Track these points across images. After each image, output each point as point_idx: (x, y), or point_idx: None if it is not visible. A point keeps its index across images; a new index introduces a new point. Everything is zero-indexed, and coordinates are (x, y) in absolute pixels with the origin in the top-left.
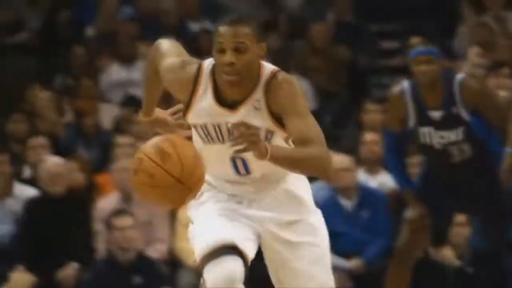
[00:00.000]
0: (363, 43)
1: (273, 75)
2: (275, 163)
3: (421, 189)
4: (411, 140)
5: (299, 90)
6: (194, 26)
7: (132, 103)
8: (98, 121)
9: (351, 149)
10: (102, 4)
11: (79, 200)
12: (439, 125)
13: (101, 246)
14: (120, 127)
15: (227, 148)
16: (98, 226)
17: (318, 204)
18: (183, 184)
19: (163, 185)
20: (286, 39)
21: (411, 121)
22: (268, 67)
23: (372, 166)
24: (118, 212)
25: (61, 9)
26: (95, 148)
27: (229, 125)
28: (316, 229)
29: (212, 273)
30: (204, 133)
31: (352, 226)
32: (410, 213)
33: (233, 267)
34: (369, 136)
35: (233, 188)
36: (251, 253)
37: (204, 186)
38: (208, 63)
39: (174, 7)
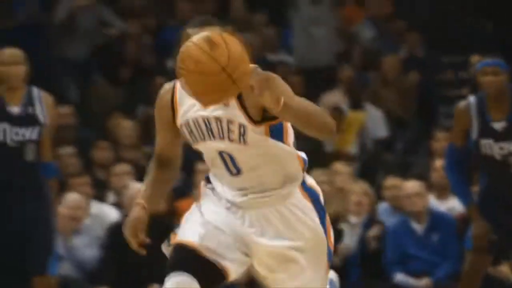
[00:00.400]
0: (433, 74)
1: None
2: (287, 113)
3: (481, 204)
4: (473, 153)
5: (273, 76)
6: (272, 58)
7: None
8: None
9: (422, 175)
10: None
11: (161, 225)
12: (500, 136)
13: None
14: (200, 154)
15: (212, 145)
16: None
17: (390, 228)
18: (229, 75)
19: (208, 72)
20: (359, 70)
21: (474, 133)
22: None
23: (442, 191)
24: None
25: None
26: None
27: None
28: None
29: (169, 282)
30: (188, 132)
31: (423, 249)
32: (474, 229)
33: (187, 285)
34: (439, 163)
35: (233, 194)
36: (228, 271)
37: (209, 191)
38: None
39: (257, 41)
